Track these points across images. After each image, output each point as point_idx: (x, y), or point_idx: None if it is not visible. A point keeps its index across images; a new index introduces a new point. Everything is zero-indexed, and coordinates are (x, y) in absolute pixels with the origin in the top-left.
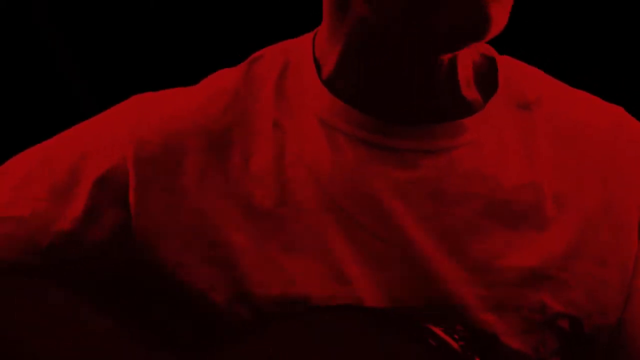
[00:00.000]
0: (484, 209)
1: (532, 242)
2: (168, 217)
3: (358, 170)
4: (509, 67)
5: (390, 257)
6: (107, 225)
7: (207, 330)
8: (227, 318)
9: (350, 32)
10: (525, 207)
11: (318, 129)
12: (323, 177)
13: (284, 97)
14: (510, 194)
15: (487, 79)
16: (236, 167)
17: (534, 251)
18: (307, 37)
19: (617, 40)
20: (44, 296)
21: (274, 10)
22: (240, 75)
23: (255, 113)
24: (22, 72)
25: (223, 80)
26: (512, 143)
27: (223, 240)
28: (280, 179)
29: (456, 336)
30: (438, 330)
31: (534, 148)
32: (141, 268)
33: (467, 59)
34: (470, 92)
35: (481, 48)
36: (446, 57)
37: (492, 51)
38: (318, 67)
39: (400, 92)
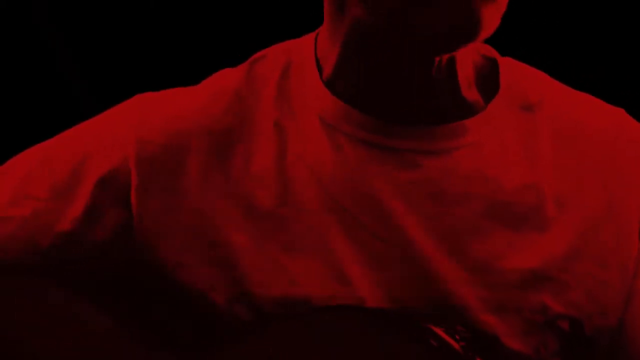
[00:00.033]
0: (485, 210)
1: (533, 243)
2: (169, 217)
3: (359, 170)
4: (511, 69)
5: (391, 257)
6: (108, 226)
7: (207, 330)
8: (227, 318)
9: (348, 32)
10: (526, 208)
11: (319, 129)
12: (324, 177)
13: (285, 97)
14: (512, 195)
15: (489, 81)
16: (238, 167)
17: (534, 252)
18: (310, 37)
19: (617, 40)
20: (44, 296)
21: (275, 10)
22: (242, 75)
23: (256, 113)
24: (22, 72)
25: (225, 80)
26: (514, 144)
27: (223, 241)
28: (281, 179)
29: (457, 336)
30: (439, 331)
31: (535, 149)
32: (141, 268)
33: (467, 59)
34: (471, 93)
35: (483, 50)
36: (444, 58)
37: (493, 53)
38: (319, 68)
39: (399, 92)
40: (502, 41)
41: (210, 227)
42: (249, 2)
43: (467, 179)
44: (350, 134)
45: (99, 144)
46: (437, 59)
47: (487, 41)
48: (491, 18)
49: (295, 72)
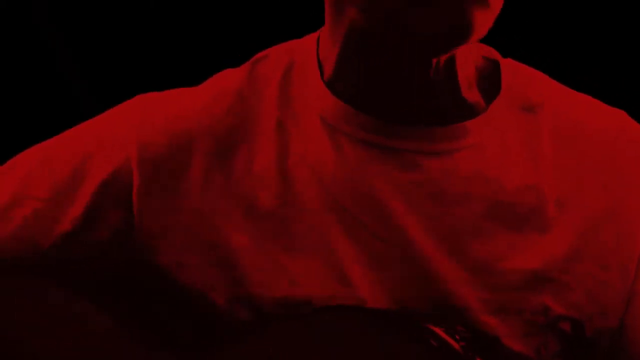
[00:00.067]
0: (486, 211)
1: (534, 245)
2: (170, 218)
3: (359, 170)
4: (512, 70)
5: (391, 257)
6: (108, 226)
7: (207, 330)
8: (227, 318)
9: (347, 33)
10: (527, 209)
11: (321, 130)
12: (326, 177)
13: (287, 97)
14: (513, 196)
15: (490, 82)
16: (239, 168)
17: (536, 253)
18: (312, 37)
19: (617, 40)
20: (44, 296)
21: (276, 11)
22: (244, 76)
23: (258, 113)
24: (22, 72)
25: (227, 81)
26: (515, 145)
27: (224, 241)
28: (282, 179)
29: (457, 336)
30: (439, 331)
31: (537, 150)
32: (141, 268)
33: (467, 60)
34: (472, 94)
35: (484, 51)
36: (443, 58)
37: (495, 54)
38: (321, 68)
39: (399, 92)
40: (502, 42)
41: (210, 227)
42: (250, 2)
43: (468, 179)
44: (351, 134)
45: (100, 144)
46: (435, 59)
47: (487, 42)
48: (483, 20)
49: (297, 72)
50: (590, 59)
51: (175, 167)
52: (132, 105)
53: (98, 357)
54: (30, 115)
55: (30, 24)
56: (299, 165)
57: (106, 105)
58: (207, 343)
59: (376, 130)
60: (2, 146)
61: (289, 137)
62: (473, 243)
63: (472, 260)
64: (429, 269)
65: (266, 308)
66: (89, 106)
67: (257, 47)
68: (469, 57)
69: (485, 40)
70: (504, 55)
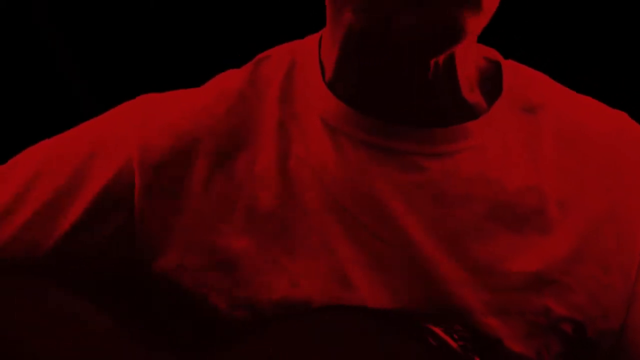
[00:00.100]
0: (488, 212)
1: (535, 246)
2: (171, 220)
3: (360, 171)
4: (514, 72)
5: (392, 259)
6: (110, 227)
7: (207, 330)
8: (228, 319)
9: (345, 34)
10: (529, 210)
11: (322, 131)
12: (326, 177)
13: (289, 97)
14: (514, 197)
15: (492, 83)
16: (241, 169)
17: (537, 255)
18: (314, 37)
19: (617, 40)
20: (44, 296)
21: (278, 11)
22: (245, 76)
23: (260, 114)
24: (22, 72)
25: (229, 82)
26: (517, 147)
27: (225, 244)
28: (283, 180)
29: (455, 336)
30: (438, 330)
31: (538, 152)
32: (141, 268)
33: (468, 61)
34: (473, 95)
35: (486, 52)
36: (441, 58)
37: (497, 55)
38: (322, 69)
39: (397, 92)
40: (502, 42)
41: (211, 229)
42: (251, 2)
43: (469, 181)
44: (351, 135)
45: (101, 145)
46: (434, 60)
47: (488, 42)
48: (474, 22)
49: (299, 72)
50: (590, 59)
51: (176, 168)
52: (134, 106)
53: (98, 357)
54: (30, 115)
55: (30, 24)
56: (299, 166)
57: (106, 105)
58: (207, 343)
59: (377, 131)
60: (2, 146)
61: (289, 137)
62: (474, 244)
63: (473, 261)
64: (429, 270)
65: (267, 310)
66: (89, 106)
67: (259, 47)
68: (470, 58)
69: (485, 40)
70: (504, 56)
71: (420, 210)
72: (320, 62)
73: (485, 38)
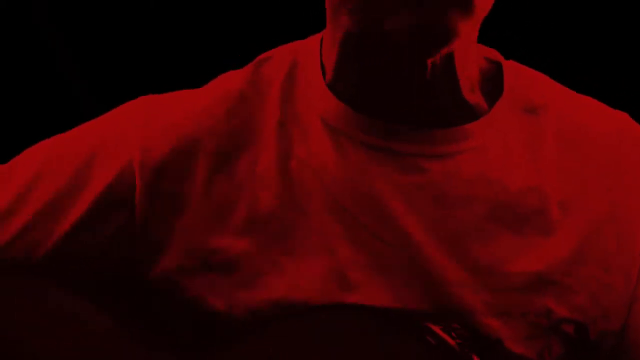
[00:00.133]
0: (489, 213)
1: (537, 247)
2: (172, 220)
3: (360, 171)
4: (515, 72)
5: (392, 259)
6: (111, 227)
7: (207, 330)
8: (228, 319)
9: (343, 35)
10: (530, 211)
11: (322, 131)
12: (326, 178)
13: (289, 98)
14: (515, 197)
15: (493, 84)
16: (242, 169)
17: (539, 256)
18: (316, 38)
19: (617, 40)
20: (44, 296)
21: (279, 11)
22: (246, 77)
23: (261, 114)
24: (22, 72)
25: (229, 83)
26: (518, 147)
27: (225, 245)
28: (284, 181)
29: (453, 334)
30: (436, 329)
31: (539, 152)
32: (142, 268)
33: (468, 61)
34: (474, 96)
35: (487, 53)
36: (439, 58)
37: (498, 56)
38: (323, 69)
39: (396, 92)
40: (502, 42)
41: (212, 230)
42: (251, 3)
43: (470, 182)
44: (352, 136)
45: (103, 146)
46: (431, 60)
47: (487, 42)
48: (465, 25)
49: (300, 73)
50: (590, 59)
51: (177, 170)
52: (135, 107)
53: (98, 357)
54: (30, 115)
55: (30, 24)
56: (300, 167)
57: (106, 105)
58: (207, 343)
59: (377, 131)
60: (2, 146)
61: (290, 138)
62: (475, 245)
63: (474, 261)
64: (430, 271)
65: (266, 310)
66: (89, 106)
67: (259, 48)
68: (471, 58)
69: (485, 40)
70: (505, 56)
71: (421, 211)
72: (322, 63)
73: (485, 38)
